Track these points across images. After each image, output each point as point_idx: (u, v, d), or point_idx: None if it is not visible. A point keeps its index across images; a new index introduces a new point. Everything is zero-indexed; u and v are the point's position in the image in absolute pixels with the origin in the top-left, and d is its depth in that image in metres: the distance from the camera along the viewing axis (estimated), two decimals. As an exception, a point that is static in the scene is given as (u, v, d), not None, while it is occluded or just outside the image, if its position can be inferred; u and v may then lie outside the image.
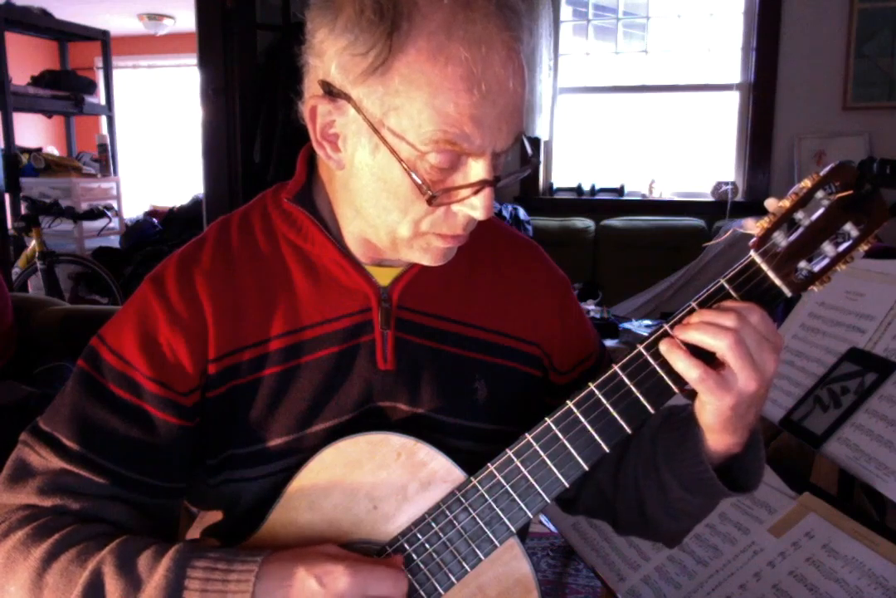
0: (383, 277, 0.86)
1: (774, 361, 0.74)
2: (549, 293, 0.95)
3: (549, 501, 0.78)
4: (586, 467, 0.78)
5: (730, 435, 0.78)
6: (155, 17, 6.42)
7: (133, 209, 6.20)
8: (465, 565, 0.79)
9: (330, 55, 0.73)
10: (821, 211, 0.74)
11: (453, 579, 0.79)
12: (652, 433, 0.87)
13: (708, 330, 0.72)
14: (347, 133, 0.76)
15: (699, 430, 0.79)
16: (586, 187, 4.34)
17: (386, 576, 0.74)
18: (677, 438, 0.82)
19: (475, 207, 0.75)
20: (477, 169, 0.73)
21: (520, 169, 0.81)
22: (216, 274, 0.85)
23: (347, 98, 0.73)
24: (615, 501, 0.92)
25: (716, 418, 0.76)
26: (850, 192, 0.73)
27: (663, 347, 0.74)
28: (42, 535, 0.76)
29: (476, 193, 0.74)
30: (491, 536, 0.79)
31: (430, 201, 0.74)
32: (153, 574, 0.72)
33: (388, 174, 0.74)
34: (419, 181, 0.73)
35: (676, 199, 4.27)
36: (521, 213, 4.04)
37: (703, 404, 0.76)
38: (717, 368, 0.73)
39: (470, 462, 0.80)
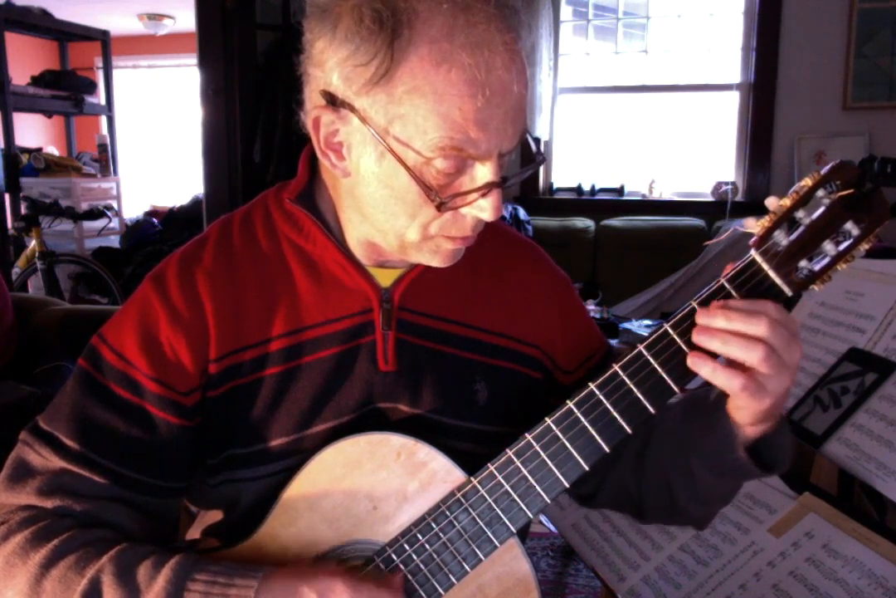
0: (385, 278, 0.86)
1: (799, 350, 0.73)
2: (550, 295, 0.94)
3: (549, 501, 0.78)
4: (586, 467, 0.78)
5: (763, 424, 0.77)
6: (155, 17, 6.42)
7: (133, 209, 6.20)
8: (465, 565, 0.79)
9: (331, 65, 0.72)
10: (822, 210, 0.73)
11: (453, 579, 0.79)
12: (676, 424, 0.86)
13: (736, 343, 0.70)
14: (352, 142, 0.75)
15: (729, 418, 0.78)
16: (586, 187, 4.34)
17: (386, 595, 0.74)
18: (705, 427, 0.81)
19: (484, 209, 0.75)
20: (483, 172, 0.73)
21: (528, 166, 0.81)
22: (218, 273, 0.85)
23: (351, 108, 0.72)
24: (640, 494, 0.92)
25: (753, 417, 0.75)
26: (852, 190, 0.73)
27: (692, 363, 0.73)
28: (41, 539, 0.76)
29: (484, 195, 0.74)
30: (491, 536, 0.79)
31: (439, 208, 0.74)
32: (153, 585, 0.72)
33: (394, 181, 0.74)
34: (427, 187, 0.72)
35: (676, 199, 4.27)
36: (521, 213, 4.04)
37: (739, 408, 0.75)
38: (745, 370, 0.72)
39: (470, 464, 0.80)
